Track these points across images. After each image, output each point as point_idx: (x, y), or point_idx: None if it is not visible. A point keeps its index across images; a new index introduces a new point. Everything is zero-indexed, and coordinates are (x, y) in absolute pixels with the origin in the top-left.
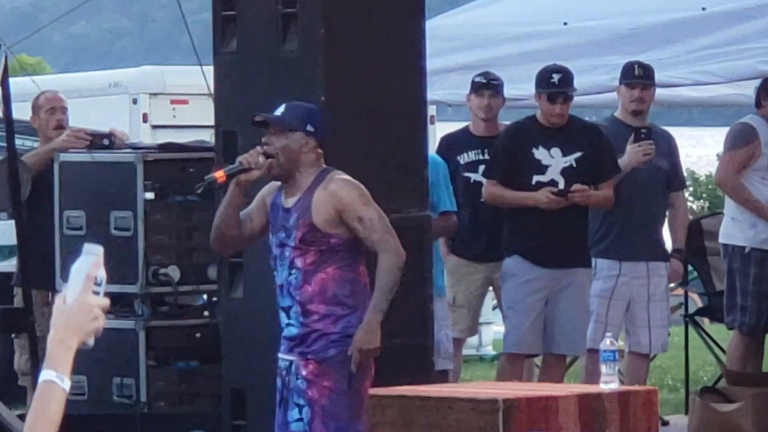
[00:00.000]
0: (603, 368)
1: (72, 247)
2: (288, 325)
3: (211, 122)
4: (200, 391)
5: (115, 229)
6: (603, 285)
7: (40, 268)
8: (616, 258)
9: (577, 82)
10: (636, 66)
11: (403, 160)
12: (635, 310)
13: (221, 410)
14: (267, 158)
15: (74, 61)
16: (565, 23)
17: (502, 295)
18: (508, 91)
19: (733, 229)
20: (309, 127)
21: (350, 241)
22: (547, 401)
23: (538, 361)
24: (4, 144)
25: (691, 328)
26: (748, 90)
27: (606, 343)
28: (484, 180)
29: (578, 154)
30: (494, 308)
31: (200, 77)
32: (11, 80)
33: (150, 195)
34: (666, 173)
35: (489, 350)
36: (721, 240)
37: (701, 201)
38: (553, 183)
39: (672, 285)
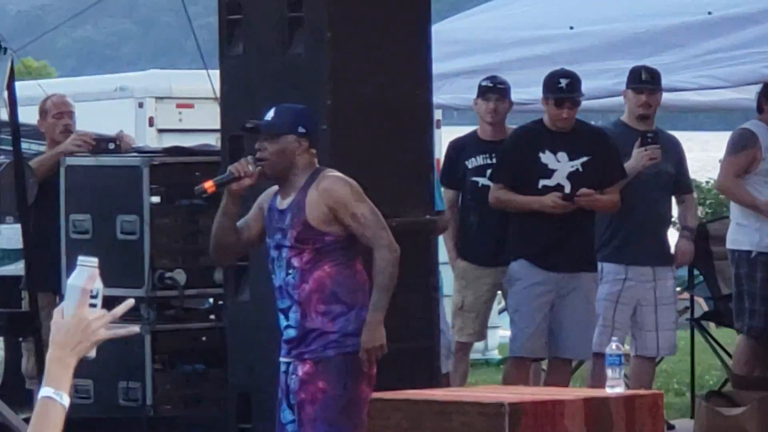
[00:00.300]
0: (609, 372)
1: (78, 251)
2: (287, 327)
3: (217, 126)
4: (206, 395)
5: (121, 233)
6: (609, 289)
7: (47, 272)
8: (622, 262)
9: (583, 87)
10: (643, 70)
11: (409, 164)
12: (642, 314)
13: (227, 414)
14: (258, 164)
15: (80, 65)
16: (571, 27)
17: (508, 298)
18: (514, 95)
19: (739, 234)
20: (300, 129)
21: (345, 239)
22: (553, 405)
23: (544, 364)
24: (10, 148)
25: (697, 332)
26: (753, 94)
27: (612, 347)
28: (491, 184)
29: (584, 159)
30: (500, 312)
31: (206, 81)
32: (17, 84)
33: (156, 199)
34: (672, 178)
35: (495, 354)
36: (728, 246)
37: (704, 206)
38: (559, 187)
39: (678, 289)
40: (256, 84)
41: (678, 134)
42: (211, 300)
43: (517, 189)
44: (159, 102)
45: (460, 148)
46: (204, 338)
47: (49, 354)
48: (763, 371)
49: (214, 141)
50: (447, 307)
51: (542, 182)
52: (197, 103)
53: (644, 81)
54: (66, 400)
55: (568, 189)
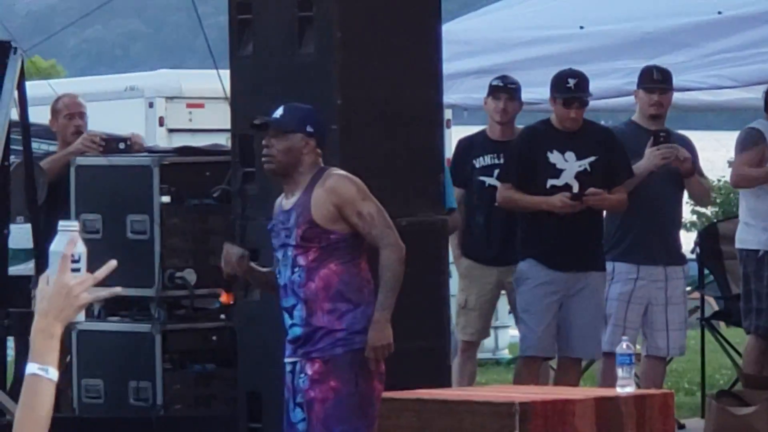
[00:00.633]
0: (619, 372)
1: (89, 251)
2: (292, 325)
3: (228, 126)
4: (216, 394)
5: (131, 232)
6: (621, 288)
7: None
8: (633, 261)
9: (593, 86)
10: (654, 70)
11: (419, 163)
12: (653, 314)
13: (237, 413)
14: (264, 160)
15: (89, 65)
16: (582, 27)
17: (516, 298)
18: (524, 95)
19: (747, 233)
20: (308, 128)
21: (350, 237)
22: (564, 405)
23: (554, 363)
24: (21, 148)
25: (707, 332)
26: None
27: (623, 347)
28: (498, 184)
29: (592, 158)
30: (510, 312)
31: (216, 81)
32: (27, 83)
33: (166, 199)
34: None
35: (505, 354)
36: (737, 245)
37: (714, 206)
38: (567, 187)
39: (688, 289)
40: (267, 84)
41: (688, 134)
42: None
43: (525, 189)
44: (169, 102)
45: (468, 147)
46: (214, 338)
47: (33, 326)
48: None
49: (224, 141)
50: (453, 306)
51: (550, 182)
52: (207, 102)
53: (656, 81)
54: (54, 374)
55: (576, 189)
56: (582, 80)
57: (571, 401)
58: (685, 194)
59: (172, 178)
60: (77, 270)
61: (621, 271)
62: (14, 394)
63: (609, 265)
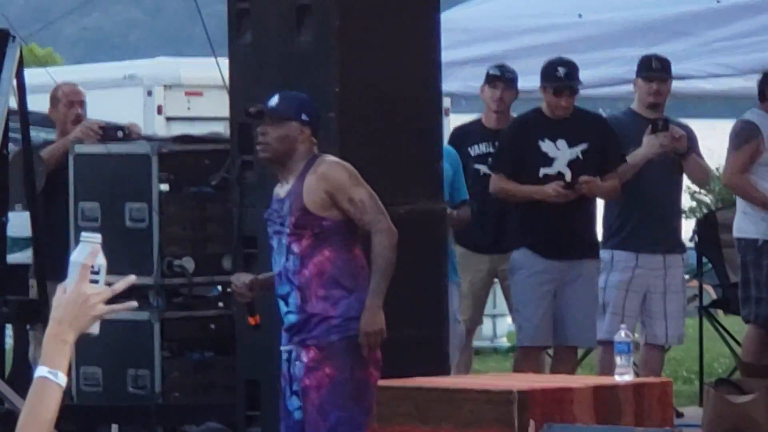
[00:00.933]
0: (618, 360)
1: None
2: (287, 313)
3: (226, 114)
4: (215, 382)
5: (129, 220)
6: (620, 276)
7: (55, 260)
8: (632, 250)
9: (592, 75)
10: (653, 59)
11: (417, 152)
12: (651, 302)
13: (235, 401)
14: (259, 148)
15: (88, 53)
16: (580, 15)
17: (511, 287)
18: (522, 84)
19: (745, 222)
20: (304, 117)
21: (344, 224)
22: (562, 393)
23: (551, 351)
24: (19, 135)
25: (705, 320)
26: None
27: (621, 335)
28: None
29: (584, 146)
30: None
31: (215, 69)
32: (26, 71)
33: (165, 187)
34: (682, 165)
35: (503, 342)
36: (735, 234)
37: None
38: (560, 175)
39: (687, 277)
40: (265, 72)
41: (687, 122)
42: (219, 287)
43: (518, 178)
44: (168, 90)
45: (463, 135)
46: (213, 326)
47: (47, 331)
48: None
49: (222, 129)
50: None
51: (543, 171)
52: (206, 91)
53: (655, 69)
54: (62, 379)
55: (568, 176)
56: (572, 68)
57: (570, 389)
58: (685, 180)
59: (171, 167)
60: (96, 282)
61: (620, 259)
62: (11, 382)
63: (608, 254)
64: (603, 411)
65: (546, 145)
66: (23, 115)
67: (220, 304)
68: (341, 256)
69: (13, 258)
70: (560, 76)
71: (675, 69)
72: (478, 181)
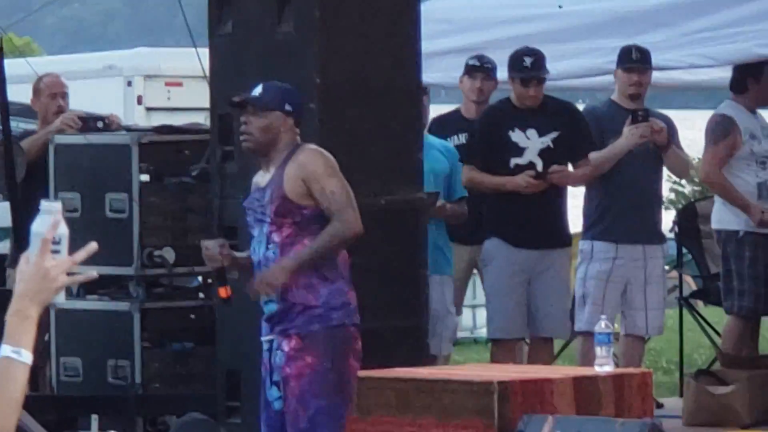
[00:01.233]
0: (598, 351)
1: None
2: (267, 302)
3: (206, 105)
4: (195, 373)
5: (110, 211)
6: (600, 267)
7: None
8: (612, 240)
9: (572, 65)
10: (633, 50)
11: (397, 142)
12: (632, 293)
13: (216, 391)
14: (242, 138)
15: (67, 43)
16: (560, 6)
17: (484, 278)
18: (501, 74)
19: (726, 213)
20: (287, 107)
21: (323, 213)
22: (542, 384)
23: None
24: None
25: (685, 311)
26: None
27: (601, 326)
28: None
29: (554, 134)
30: None
31: (195, 59)
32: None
33: (145, 177)
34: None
35: (483, 333)
36: (714, 225)
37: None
38: (531, 165)
39: (667, 268)
40: (246, 62)
41: (667, 113)
42: (200, 278)
43: (489, 169)
44: (148, 80)
45: (443, 125)
46: (193, 316)
47: (9, 308)
48: (751, 350)
49: (203, 119)
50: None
51: (514, 161)
52: (186, 81)
53: (635, 60)
54: (27, 357)
55: (540, 166)
56: (539, 58)
57: (550, 380)
58: (664, 171)
59: (151, 157)
60: (57, 252)
61: (600, 250)
62: None
63: (588, 244)
64: (583, 402)
65: (516, 135)
66: (3, 106)
67: (201, 295)
68: None
69: None
70: (527, 66)
71: (655, 60)
72: None
